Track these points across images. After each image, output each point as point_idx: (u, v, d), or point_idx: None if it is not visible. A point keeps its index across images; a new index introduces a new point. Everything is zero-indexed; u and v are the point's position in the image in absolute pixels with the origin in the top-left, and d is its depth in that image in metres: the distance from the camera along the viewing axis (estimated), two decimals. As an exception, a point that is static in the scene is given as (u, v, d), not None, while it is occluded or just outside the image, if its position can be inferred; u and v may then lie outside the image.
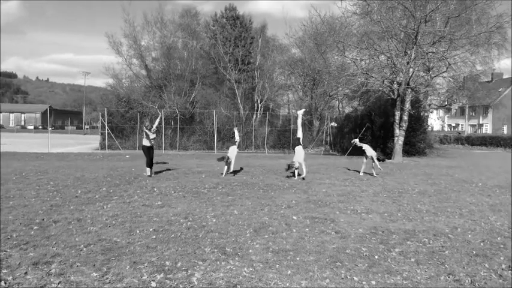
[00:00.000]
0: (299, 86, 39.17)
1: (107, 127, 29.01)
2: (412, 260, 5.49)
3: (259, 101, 36.31)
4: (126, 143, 30.09)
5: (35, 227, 6.65)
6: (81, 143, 37.99)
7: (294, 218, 7.75)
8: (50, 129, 33.72)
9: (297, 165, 13.37)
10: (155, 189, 10.73)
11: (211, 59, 36.11)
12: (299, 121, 14.48)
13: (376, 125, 28.40)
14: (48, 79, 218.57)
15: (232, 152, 14.33)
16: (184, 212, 8.06)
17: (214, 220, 7.42)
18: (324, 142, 32.55)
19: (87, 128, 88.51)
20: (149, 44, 36.30)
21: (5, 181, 11.65)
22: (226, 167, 14.11)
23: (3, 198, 8.99)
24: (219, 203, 9.04)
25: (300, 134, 14.08)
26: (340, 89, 30.13)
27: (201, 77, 34.94)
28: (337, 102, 38.47)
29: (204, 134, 31.32)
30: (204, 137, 31.25)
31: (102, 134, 30.82)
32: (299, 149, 13.53)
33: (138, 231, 6.52)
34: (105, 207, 8.38)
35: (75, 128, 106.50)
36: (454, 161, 24.22)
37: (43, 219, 7.19)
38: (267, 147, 31.23)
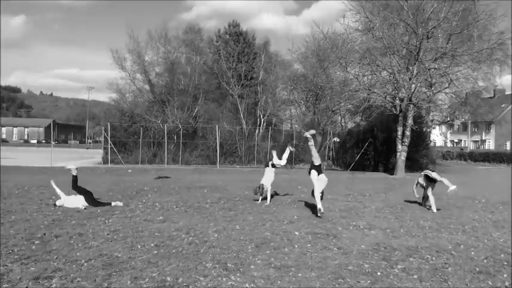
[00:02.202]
0: (301, 101, 39.33)
1: (109, 141, 29.10)
2: (415, 276, 5.44)
3: (261, 116, 36.41)
4: (128, 158, 30.15)
5: (36, 242, 6.64)
6: (84, 157, 38.06)
7: (296, 233, 7.72)
8: (53, 143, 33.78)
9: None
10: (157, 204, 10.72)
11: (215, 74, 36.35)
12: (311, 145, 10.12)
13: (378, 141, 28.41)
14: (52, 93, 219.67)
15: (269, 176, 11.88)
16: (186, 227, 8.04)
17: (216, 235, 7.39)
18: (326, 157, 32.53)
19: (90, 142, 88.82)
20: (153, 60, 36.64)
21: (7, 195, 11.67)
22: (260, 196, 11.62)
23: (5, 212, 8.99)
24: (221, 218, 9.02)
25: (316, 160, 9.96)
26: (343, 104, 30.23)
27: (204, 92, 35.15)
28: (340, 117, 38.56)
29: (206, 149, 31.36)
30: (206, 151, 31.29)
31: (105, 148, 30.92)
32: (322, 177, 9.86)
33: (139, 246, 6.49)
34: (106, 221, 8.37)
35: (78, 142, 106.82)
36: (456, 177, 24.13)
37: (44, 234, 7.18)
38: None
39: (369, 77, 24.65)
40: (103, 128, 31.62)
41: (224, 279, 5.15)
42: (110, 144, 29.16)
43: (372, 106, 25.08)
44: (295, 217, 9.34)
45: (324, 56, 32.93)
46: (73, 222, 8.25)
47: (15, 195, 11.67)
